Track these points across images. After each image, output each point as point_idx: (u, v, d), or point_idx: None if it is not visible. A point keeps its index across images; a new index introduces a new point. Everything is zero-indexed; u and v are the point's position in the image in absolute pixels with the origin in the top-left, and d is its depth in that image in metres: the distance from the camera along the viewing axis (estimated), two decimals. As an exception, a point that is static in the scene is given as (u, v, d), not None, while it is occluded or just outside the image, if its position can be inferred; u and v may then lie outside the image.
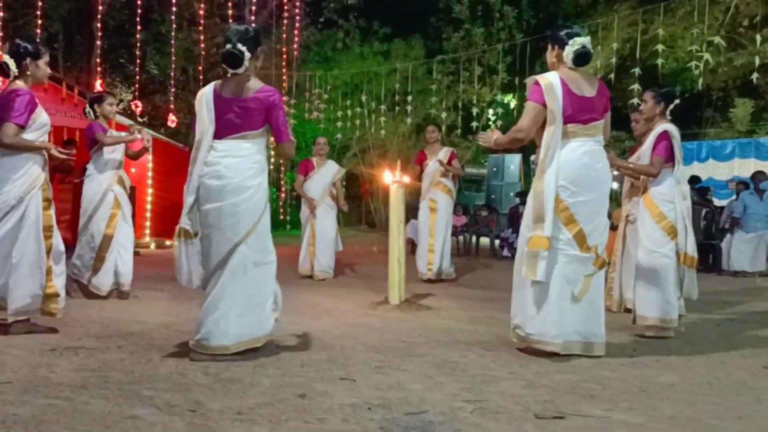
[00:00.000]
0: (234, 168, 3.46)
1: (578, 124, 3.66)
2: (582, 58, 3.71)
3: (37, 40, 11.50)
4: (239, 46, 3.49)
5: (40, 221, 3.92)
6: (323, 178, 7.54)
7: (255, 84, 3.54)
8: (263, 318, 3.55)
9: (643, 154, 4.57)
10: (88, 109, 5.61)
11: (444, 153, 7.47)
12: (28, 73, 3.97)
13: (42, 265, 3.91)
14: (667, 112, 4.56)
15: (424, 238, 7.46)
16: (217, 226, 3.47)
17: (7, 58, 3.93)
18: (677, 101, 4.58)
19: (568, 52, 3.70)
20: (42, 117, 3.98)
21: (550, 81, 3.67)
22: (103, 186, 5.44)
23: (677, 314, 4.34)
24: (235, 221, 3.44)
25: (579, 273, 3.65)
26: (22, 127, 3.84)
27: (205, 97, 3.56)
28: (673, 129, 4.46)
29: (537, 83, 3.69)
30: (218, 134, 3.53)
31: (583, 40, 3.69)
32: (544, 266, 3.55)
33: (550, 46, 3.85)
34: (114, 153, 5.53)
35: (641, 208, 4.53)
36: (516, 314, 3.78)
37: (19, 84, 3.93)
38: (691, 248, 4.40)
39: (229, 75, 3.59)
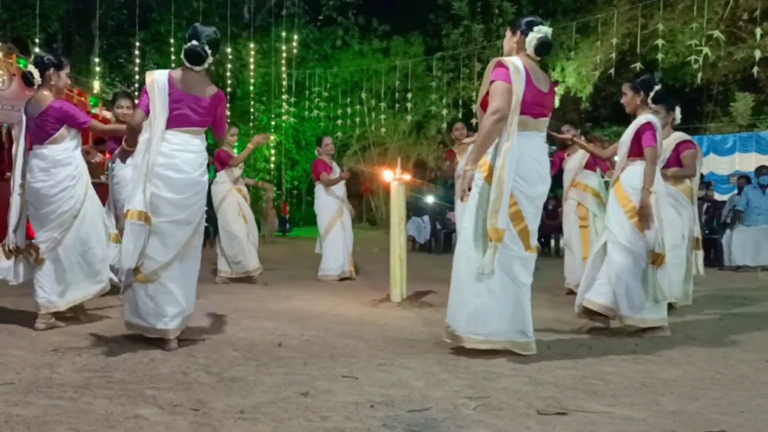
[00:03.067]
0: (191, 163, 3.69)
1: (530, 117, 3.54)
2: (544, 47, 3.61)
3: (36, 40, 11.51)
4: (206, 47, 3.71)
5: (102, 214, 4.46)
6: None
7: (210, 85, 3.82)
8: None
9: (622, 144, 4.42)
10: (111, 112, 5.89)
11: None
12: (52, 83, 4.19)
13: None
14: (649, 101, 4.38)
15: None
16: (171, 217, 3.64)
17: (31, 68, 4.19)
18: (657, 88, 4.38)
19: (532, 38, 3.58)
20: None
21: (516, 65, 3.52)
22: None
23: (643, 315, 4.19)
24: (191, 212, 3.72)
25: (523, 273, 3.55)
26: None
27: (158, 84, 3.64)
28: (655, 119, 4.30)
29: (503, 64, 3.53)
30: (169, 124, 3.65)
31: (547, 30, 3.61)
32: (491, 259, 3.42)
33: (510, 32, 3.72)
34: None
35: (612, 200, 4.35)
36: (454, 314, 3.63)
37: (47, 94, 4.18)
38: (658, 246, 4.16)
39: (184, 69, 3.75)
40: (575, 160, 6.32)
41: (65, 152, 4.16)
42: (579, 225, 6.25)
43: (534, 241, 3.59)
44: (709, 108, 20.25)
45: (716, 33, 10.52)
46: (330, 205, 7.40)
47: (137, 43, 13.24)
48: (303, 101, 16.94)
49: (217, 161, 6.81)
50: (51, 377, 3.00)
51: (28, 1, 12.81)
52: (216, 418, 2.47)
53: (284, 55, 15.85)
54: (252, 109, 17.32)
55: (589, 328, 4.39)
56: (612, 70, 11.02)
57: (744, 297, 6.34)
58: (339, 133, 16.53)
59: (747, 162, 14.88)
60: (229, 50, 14.53)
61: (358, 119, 15.85)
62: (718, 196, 11.92)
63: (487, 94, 3.56)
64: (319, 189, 7.46)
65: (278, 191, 19.88)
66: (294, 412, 2.56)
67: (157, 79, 3.65)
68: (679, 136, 5.12)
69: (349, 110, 15.61)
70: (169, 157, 3.61)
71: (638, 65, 9.59)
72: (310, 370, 3.21)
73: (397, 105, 16.02)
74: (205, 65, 3.76)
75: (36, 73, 4.17)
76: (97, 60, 15.94)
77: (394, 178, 5.69)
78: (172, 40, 13.41)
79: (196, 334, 3.97)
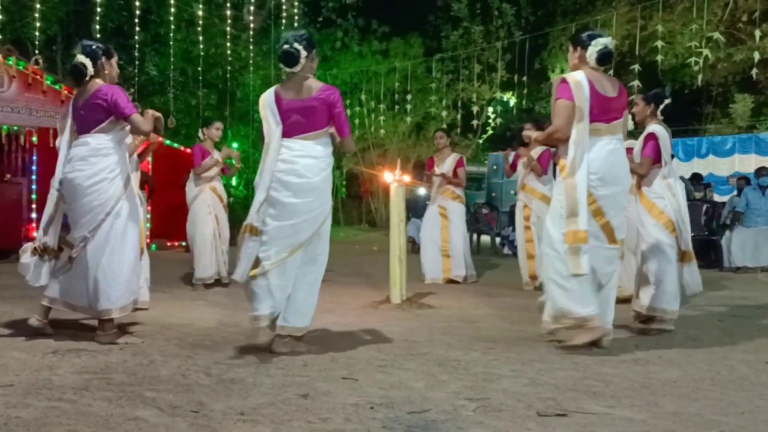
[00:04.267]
0: (312, 168, 3.65)
1: (602, 123, 3.82)
2: (605, 58, 3.89)
3: (36, 42, 11.50)
4: (296, 44, 3.63)
5: (137, 220, 4.03)
6: None
7: (315, 84, 3.72)
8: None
9: (635, 155, 4.67)
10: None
11: (451, 160, 7.34)
12: (105, 71, 3.98)
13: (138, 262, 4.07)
14: (658, 113, 4.64)
15: (434, 243, 7.30)
16: (289, 220, 3.62)
17: (83, 59, 3.89)
18: (667, 101, 4.68)
19: (591, 52, 3.87)
20: None
21: (578, 79, 3.80)
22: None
23: (677, 307, 4.44)
24: (309, 218, 3.64)
25: (605, 265, 3.83)
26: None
27: (267, 102, 3.72)
28: (660, 130, 4.54)
29: (565, 81, 3.82)
30: (287, 134, 3.67)
31: (605, 41, 3.88)
32: (587, 259, 3.67)
33: (572, 48, 4.00)
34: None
35: (640, 208, 4.60)
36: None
37: (99, 82, 3.91)
38: (685, 244, 4.49)
39: (287, 77, 3.75)
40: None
41: (109, 143, 3.87)
42: (524, 225, 6.84)
43: (619, 235, 3.86)
44: (709, 109, 20.26)
45: (716, 34, 10.52)
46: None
47: (137, 45, 13.24)
48: (302, 103, 16.89)
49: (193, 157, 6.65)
50: (50, 379, 3.00)
51: (27, 2, 12.82)
52: (216, 420, 2.47)
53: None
54: (252, 111, 17.33)
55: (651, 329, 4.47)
56: (611, 72, 11.02)
57: (744, 298, 6.34)
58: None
59: (746, 163, 14.87)
60: (228, 51, 14.54)
61: (357, 120, 15.85)
62: (717, 198, 11.91)
63: None
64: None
65: None
66: (294, 413, 2.56)
67: (266, 98, 3.73)
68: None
69: (348, 111, 15.60)
70: (291, 162, 3.63)
71: (637, 67, 9.59)
72: (309, 372, 3.21)
73: (396, 106, 16.03)
74: (303, 62, 3.65)
75: (89, 64, 3.87)
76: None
77: (393, 179, 5.69)
78: (171, 42, 13.41)
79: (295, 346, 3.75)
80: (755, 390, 3.02)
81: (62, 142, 3.99)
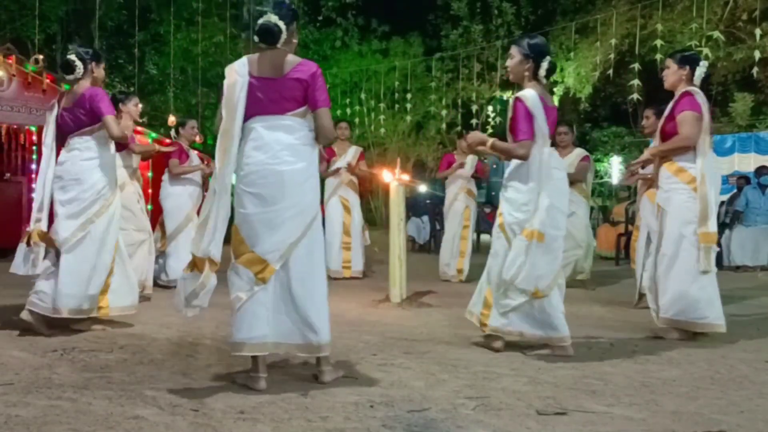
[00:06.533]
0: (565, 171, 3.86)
1: (708, 136, 4.14)
2: (705, 79, 4.26)
3: (36, 41, 11.49)
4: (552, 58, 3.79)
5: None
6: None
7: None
8: None
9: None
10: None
11: (353, 152, 7.56)
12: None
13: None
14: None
15: (337, 236, 7.46)
16: (563, 229, 3.74)
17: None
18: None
19: (700, 72, 4.18)
20: None
21: (701, 93, 4.13)
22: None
23: None
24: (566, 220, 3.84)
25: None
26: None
27: (535, 105, 3.60)
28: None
29: (691, 94, 4.09)
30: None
31: (705, 63, 4.24)
32: (713, 258, 4.01)
33: (678, 65, 4.20)
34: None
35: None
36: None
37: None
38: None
39: (539, 84, 3.78)
40: (468, 169, 7.32)
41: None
42: (463, 225, 7.36)
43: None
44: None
45: (715, 33, 10.51)
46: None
47: (136, 44, 13.24)
48: (302, 102, 16.87)
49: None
50: (50, 378, 3.00)
51: (27, 2, 12.82)
52: (216, 419, 2.47)
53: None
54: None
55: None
56: (611, 71, 11.02)
57: (743, 297, 6.34)
58: (338, 134, 16.45)
59: (746, 162, 14.85)
60: (228, 51, 14.55)
61: (357, 120, 15.84)
62: (717, 197, 11.90)
63: (671, 120, 4.13)
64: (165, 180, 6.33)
65: None
66: (294, 412, 2.57)
67: (532, 102, 3.61)
68: (580, 152, 6.62)
69: (348, 111, 15.59)
70: (561, 169, 3.76)
71: (637, 65, 9.58)
72: (309, 370, 3.21)
73: (396, 105, 16.02)
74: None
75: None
76: (96, 61, 15.89)
77: (393, 178, 5.69)
78: (171, 41, 13.41)
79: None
80: (755, 389, 3.03)
81: (234, 127, 2.90)
